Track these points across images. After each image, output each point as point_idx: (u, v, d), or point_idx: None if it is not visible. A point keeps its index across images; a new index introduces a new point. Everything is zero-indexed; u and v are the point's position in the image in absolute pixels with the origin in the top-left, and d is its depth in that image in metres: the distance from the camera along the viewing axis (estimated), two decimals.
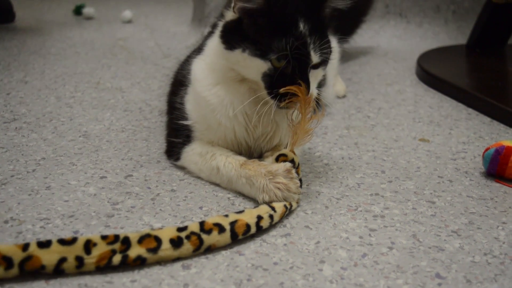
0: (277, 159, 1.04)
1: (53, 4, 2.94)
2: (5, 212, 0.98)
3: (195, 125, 1.12)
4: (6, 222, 0.95)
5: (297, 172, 1.02)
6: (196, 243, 0.87)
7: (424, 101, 1.61)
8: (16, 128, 1.36)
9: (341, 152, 1.27)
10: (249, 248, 0.89)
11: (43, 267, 0.80)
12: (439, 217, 1.00)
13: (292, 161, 1.02)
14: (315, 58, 0.99)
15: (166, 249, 0.85)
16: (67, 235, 0.91)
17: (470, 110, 1.54)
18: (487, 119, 1.48)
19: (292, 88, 0.97)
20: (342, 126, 1.42)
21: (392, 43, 2.27)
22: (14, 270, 0.79)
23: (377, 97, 1.63)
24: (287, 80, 0.98)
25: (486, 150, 1.16)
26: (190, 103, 1.12)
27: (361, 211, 1.02)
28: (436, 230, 0.95)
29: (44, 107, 1.49)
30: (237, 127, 1.08)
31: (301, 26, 0.97)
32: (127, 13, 2.57)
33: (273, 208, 0.96)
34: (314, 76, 1.02)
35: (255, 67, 0.99)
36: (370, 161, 1.23)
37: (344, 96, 1.63)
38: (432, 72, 1.76)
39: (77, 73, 1.80)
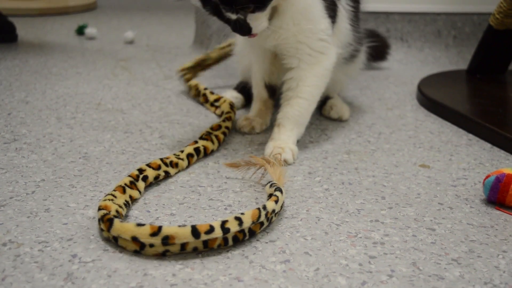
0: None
1: (56, 24, 2.95)
2: (4, 234, 0.98)
3: None
4: (4, 244, 0.95)
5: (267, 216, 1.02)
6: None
7: (425, 126, 1.61)
8: (16, 148, 1.36)
9: (341, 177, 1.27)
10: (248, 275, 0.88)
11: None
12: (439, 245, 1.00)
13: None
14: (232, 16, 1.22)
15: None
16: (65, 258, 0.91)
17: (471, 136, 1.54)
18: (487, 145, 1.48)
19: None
20: (342, 151, 1.42)
21: (393, 67, 2.27)
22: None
23: (378, 122, 1.63)
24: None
25: (487, 177, 1.15)
26: None
27: (361, 237, 1.01)
28: (436, 258, 0.95)
29: (45, 128, 1.49)
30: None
31: None
32: (129, 34, 2.58)
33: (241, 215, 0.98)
34: (254, 18, 1.23)
35: None
36: (370, 186, 1.23)
37: (346, 120, 1.63)
38: (432, 97, 1.77)
39: (78, 93, 1.80)
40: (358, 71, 1.72)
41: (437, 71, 2.13)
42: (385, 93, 1.92)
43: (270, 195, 1.10)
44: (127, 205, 1.08)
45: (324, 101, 1.67)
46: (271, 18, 1.29)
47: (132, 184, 1.13)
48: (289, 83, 1.40)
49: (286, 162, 1.32)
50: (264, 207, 1.01)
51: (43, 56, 2.25)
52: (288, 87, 1.40)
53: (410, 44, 2.38)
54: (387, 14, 2.35)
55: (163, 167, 1.22)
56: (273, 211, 1.02)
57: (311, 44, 1.35)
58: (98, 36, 2.65)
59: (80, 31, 2.70)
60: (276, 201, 1.04)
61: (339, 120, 1.62)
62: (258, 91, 1.53)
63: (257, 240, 0.99)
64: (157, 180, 1.21)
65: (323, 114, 1.66)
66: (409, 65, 2.29)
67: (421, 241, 1.01)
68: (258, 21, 1.24)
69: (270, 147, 1.36)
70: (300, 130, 1.43)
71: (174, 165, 1.25)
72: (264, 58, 1.48)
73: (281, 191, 1.08)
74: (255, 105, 1.55)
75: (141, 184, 1.15)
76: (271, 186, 1.12)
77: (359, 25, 1.53)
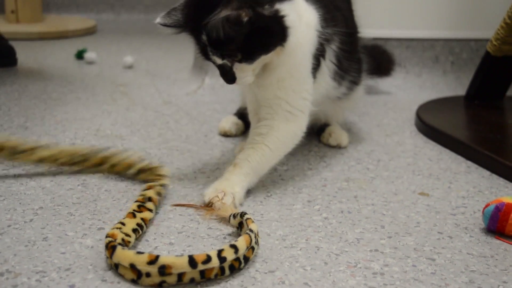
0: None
1: (56, 48, 2.96)
2: (1, 264, 0.98)
3: None
4: (1, 274, 0.94)
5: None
6: None
7: (424, 153, 1.61)
8: (14, 175, 1.36)
9: (341, 205, 1.27)
10: None
11: None
12: (439, 275, 0.99)
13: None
14: (217, 60, 1.22)
15: None
16: None
17: (469, 163, 1.54)
18: (486, 173, 1.48)
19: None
20: (341, 178, 1.42)
21: (391, 93, 2.28)
22: None
23: (377, 149, 1.63)
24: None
25: (486, 206, 1.15)
26: None
27: (360, 267, 1.01)
28: None
29: None
30: None
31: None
32: (129, 59, 2.59)
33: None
34: (240, 69, 1.23)
35: None
36: (370, 215, 1.22)
37: (345, 147, 1.63)
38: (431, 123, 1.77)
39: (77, 119, 1.80)
40: (354, 105, 1.72)
41: (435, 97, 2.14)
42: (384, 119, 1.92)
43: (241, 223, 1.10)
44: (137, 230, 1.07)
45: (323, 128, 1.67)
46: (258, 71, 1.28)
47: (142, 207, 1.14)
48: (260, 128, 1.34)
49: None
50: (251, 230, 1.01)
51: (43, 81, 2.26)
52: (259, 132, 1.34)
53: (408, 69, 2.39)
54: (385, 40, 2.36)
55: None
56: (257, 231, 1.04)
57: (292, 102, 1.32)
58: (98, 60, 2.66)
59: (80, 55, 2.71)
60: (253, 221, 1.06)
61: (338, 147, 1.62)
62: (252, 121, 1.49)
63: (256, 271, 0.99)
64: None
65: (322, 141, 1.66)
66: (407, 91, 2.29)
67: (421, 271, 1.00)
68: (243, 73, 1.24)
69: (211, 190, 1.25)
70: (254, 179, 1.31)
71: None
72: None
73: (245, 213, 1.09)
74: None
75: (150, 205, 1.16)
76: (234, 217, 1.12)
77: (348, 68, 1.51)
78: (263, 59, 1.24)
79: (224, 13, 1.12)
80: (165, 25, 1.22)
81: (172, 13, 1.21)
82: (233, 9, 1.13)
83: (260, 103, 1.38)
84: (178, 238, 1.09)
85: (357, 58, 1.59)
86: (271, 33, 1.21)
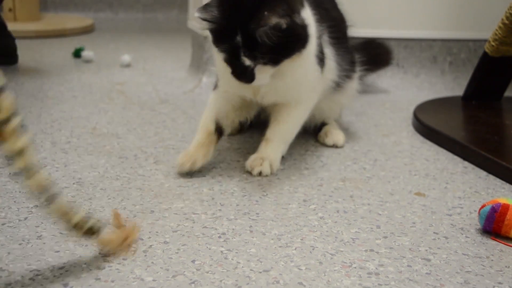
0: None
1: (53, 46, 2.96)
2: None
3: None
4: None
5: None
6: None
7: (420, 153, 1.61)
8: (10, 174, 1.35)
9: (337, 205, 1.26)
10: None
11: None
12: (435, 276, 0.99)
13: None
14: (247, 61, 1.24)
15: None
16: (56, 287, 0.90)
17: (466, 163, 1.54)
18: (483, 173, 1.47)
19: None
20: (337, 178, 1.41)
21: (389, 93, 2.28)
22: None
23: (373, 148, 1.63)
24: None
25: (482, 207, 1.15)
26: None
27: (355, 267, 1.01)
28: None
29: (39, 153, 1.48)
30: None
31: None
32: (126, 57, 2.58)
33: None
34: (261, 71, 1.26)
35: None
36: (366, 215, 1.22)
37: (341, 146, 1.63)
38: (428, 123, 1.77)
39: (74, 117, 1.80)
40: (349, 100, 1.72)
41: (433, 97, 2.14)
42: (381, 119, 1.92)
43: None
44: None
45: (319, 128, 1.67)
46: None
47: None
48: (277, 110, 1.46)
49: (261, 174, 1.41)
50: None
51: (39, 79, 2.25)
52: (277, 113, 1.46)
53: (406, 69, 2.39)
54: (383, 40, 2.36)
55: None
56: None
57: (303, 93, 1.44)
58: (95, 59, 2.65)
59: (77, 54, 2.70)
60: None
61: (334, 147, 1.62)
62: (206, 123, 1.45)
63: (251, 270, 0.98)
64: None
65: (319, 141, 1.66)
66: (405, 91, 2.29)
67: (416, 271, 1.00)
68: (263, 74, 1.27)
69: (251, 158, 1.43)
70: (285, 147, 1.49)
71: None
72: (232, 103, 1.48)
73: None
74: (197, 137, 1.44)
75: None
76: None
77: (344, 56, 1.56)
78: (284, 62, 1.28)
79: (274, 20, 1.17)
80: (205, 19, 1.23)
81: (209, 8, 1.23)
82: (279, 16, 1.18)
83: (262, 103, 1.44)
84: (172, 237, 1.09)
85: (348, 49, 1.64)
86: (298, 40, 1.28)
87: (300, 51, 1.30)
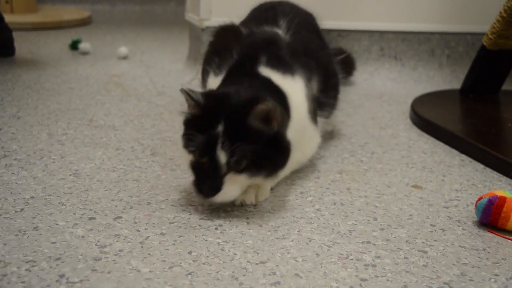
0: None
1: (50, 38, 2.95)
2: None
3: None
4: None
5: None
6: None
7: (418, 146, 1.61)
8: (6, 165, 1.35)
9: (334, 197, 1.26)
10: None
11: None
12: (431, 268, 0.99)
13: None
14: (222, 157, 1.08)
15: None
16: (52, 278, 0.90)
17: (463, 156, 1.54)
18: (480, 166, 1.47)
19: None
20: (335, 170, 1.41)
21: (386, 86, 2.28)
22: None
23: (371, 141, 1.63)
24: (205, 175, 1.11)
25: (479, 199, 1.15)
26: None
27: (352, 259, 1.01)
28: (427, 281, 0.94)
29: (36, 144, 1.48)
30: None
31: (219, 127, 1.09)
32: (123, 50, 2.58)
33: None
34: (233, 180, 1.10)
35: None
36: (363, 207, 1.22)
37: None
38: (425, 117, 1.76)
39: (71, 109, 1.79)
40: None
41: (430, 90, 2.14)
42: (378, 112, 1.92)
43: None
44: None
45: None
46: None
47: None
48: None
49: (243, 204, 1.20)
50: None
51: (36, 70, 2.25)
52: None
53: (404, 63, 2.39)
54: (381, 32, 2.36)
55: None
56: None
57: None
58: (92, 51, 2.64)
59: (74, 46, 2.70)
60: None
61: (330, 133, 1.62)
62: None
63: (248, 261, 0.98)
64: None
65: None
66: (403, 84, 2.29)
67: (412, 263, 1.00)
68: (234, 185, 1.11)
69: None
70: (276, 180, 1.28)
71: None
72: None
73: None
74: None
75: None
76: None
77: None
78: (259, 180, 1.14)
79: (261, 108, 1.08)
80: (192, 98, 1.12)
81: (197, 93, 1.13)
82: (268, 108, 1.08)
83: None
84: (169, 228, 1.09)
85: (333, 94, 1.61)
86: (281, 154, 1.15)
87: (277, 171, 1.16)
